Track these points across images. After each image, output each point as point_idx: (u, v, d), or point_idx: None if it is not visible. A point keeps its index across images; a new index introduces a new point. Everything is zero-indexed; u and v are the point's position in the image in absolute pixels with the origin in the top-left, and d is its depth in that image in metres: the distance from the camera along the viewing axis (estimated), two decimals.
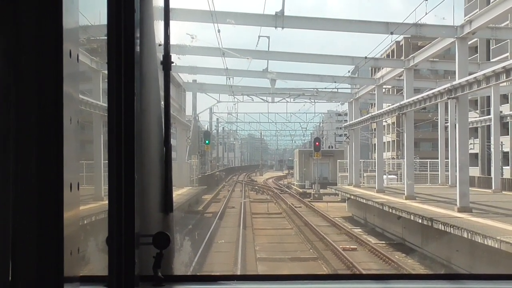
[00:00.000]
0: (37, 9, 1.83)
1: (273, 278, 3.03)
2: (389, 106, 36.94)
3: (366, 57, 33.64)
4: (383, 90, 44.86)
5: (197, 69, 39.31)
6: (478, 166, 55.99)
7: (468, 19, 26.39)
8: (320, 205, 43.58)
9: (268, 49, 34.15)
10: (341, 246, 24.49)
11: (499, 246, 16.29)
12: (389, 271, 19.89)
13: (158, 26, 3.03)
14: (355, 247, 25.45)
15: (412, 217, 23.53)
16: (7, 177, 1.79)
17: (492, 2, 34.66)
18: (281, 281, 2.92)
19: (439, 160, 42.11)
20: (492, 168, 36.42)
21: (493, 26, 27.45)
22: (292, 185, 70.67)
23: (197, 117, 57.06)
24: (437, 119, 43.21)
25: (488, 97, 43.28)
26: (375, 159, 41.83)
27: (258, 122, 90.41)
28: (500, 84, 29.57)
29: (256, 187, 67.14)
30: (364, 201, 32.15)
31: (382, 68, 48.40)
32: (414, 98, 29.82)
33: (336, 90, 45.23)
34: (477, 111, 52.27)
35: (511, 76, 20.69)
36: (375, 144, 46.40)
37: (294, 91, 47.93)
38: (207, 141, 59.42)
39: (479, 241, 17.49)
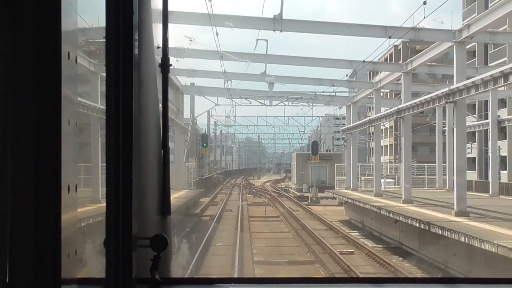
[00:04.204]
0: (36, 12, 1.83)
1: (270, 281, 3.04)
2: (387, 110, 36.96)
3: (364, 61, 33.65)
4: (381, 94, 44.89)
5: (195, 72, 39.23)
6: (475, 170, 56.02)
7: (466, 23, 26.42)
8: (317, 209, 43.58)
9: (266, 52, 34.24)
10: (338, 250, 24.49)
11: (496, 250, 16.30)
12: (386, 275, 19.88)
13: (157, 29, 3.03)
14: (352, 250, 25.45)
15: (409, 221, 23.53)
16: (5, 178, 1.79)
17: (490, 7, 34.77)
18: (278, 284, 2.92)
19: (436, 164, 42.14)
20: (490, 173, 36.43)
21: (491, 30, 27.46)
22: (289, 189, 70.67)
23: (195, 120, 57.04)
24: (435, 123, 43.25)
25: (486, 102, 43.30)
26: (372, 162, 41.85)
27: (256, 125, 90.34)
28: (498, 89, 29.63)
29: (254, 190, 67.15)
30: (362, 204, 32.14)
31: (380, 72, 48.45)
32: (412, 102, 29.83)
33: (334, 93, 45.24)
34: (475, 115, 52.32)
35: (509, 80, 20.70)
36: (372, 148, 46.39)
37: (292, 95, 47.92)
38: (204, 144, 59.40)
39: (476, 245, 17.50)
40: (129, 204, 2.28)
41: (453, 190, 24.67)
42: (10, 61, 1.81)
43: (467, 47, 28.09)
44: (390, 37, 27.17)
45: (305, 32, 29.23)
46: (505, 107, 51.51)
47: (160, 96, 3.09)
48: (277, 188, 73.43)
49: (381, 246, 27.59)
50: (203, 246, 24.84)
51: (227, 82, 40.44)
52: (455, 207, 23.48)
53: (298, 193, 60.03)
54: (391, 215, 26.30)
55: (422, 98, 29.01)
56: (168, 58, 3.12)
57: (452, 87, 24.27)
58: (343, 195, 39.98)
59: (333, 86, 41.67)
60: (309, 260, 23.42)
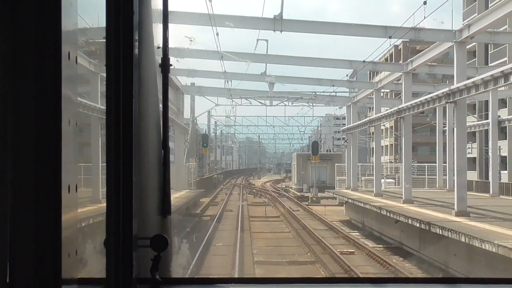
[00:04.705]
0: (36, 12, 1.83)
1: (271, 281, 3.04)
2: (387, 110, 36.95)
3: (364, 61, 33.64)
4: (381, 94, 44.87)
5: (195, 72, 39.20)
6: (476, 170, 56.02)
7: (466, 23, 26.41)
8: (317, 209, 43.56)
9: (267, 52, 34.18)
10: (338, 250, 24.47)
11: (497, 250, 16.29)
12: (387, 275, 19.87)
13: (157, 29, 3.03)
14: (353, 250, 25.43)
15: (409, 221, 23.52)
16: (5, 178, 1.79)
17: (490, 7, 34.75)
18: (279, 284, 2.92)
19: (437, 164, 42.11)
20: (490, 173, 36.40)
21: (491, 30, 27.45)
22: (290, 189, 70.63)
23: (195, 120, 57.03)
24: (435, 123, 43.23)
25: (486, 102, 43.30)
26: (373, 162, 41.84)
27: (256, 125, 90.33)
28: (498, 89, 29.62)
29: (254, 191, 67.10)
30: (362, 204, 32.13)
31: (380, 72, 48.43)
32: (412, 102, 29.82)
33: (334, 93, 45.22)
34: (475, 115, 52.31)
35: (509, 80, 20.69)
36: (373, 148, 46.37)
37: (292, 95, 47.90)
38: (205, 144, 59.42)
39: (477, 245, 17.50)
40: (129, 204, 2.28)
41: (454, 190, 24.66)
42: (10, 61, 1.81)
43: (467, 47, 28.08)
44: (390, 37, 27.16)
45: (305, 32, 29.22)
46: (506, 107, 51.52)
47: (160, 96, 3.09)
48: (277, 188, 73.38)
49: (381, 246, 27.58)
50: (203, 246, 24.84)
51: (227, 82, 40.43)
52: (455, 207, 23.47)
53: (299, 193, 59.99)
54: (391, 215, 26.29)
55: (422, 98, 29.00)
56: (168, 58, 3.12)
57: (452, 87, 24.26)
58: (343, 195, 39.96)
59: (333, 86, 41.65)
60: (310, 260, 23.41)
